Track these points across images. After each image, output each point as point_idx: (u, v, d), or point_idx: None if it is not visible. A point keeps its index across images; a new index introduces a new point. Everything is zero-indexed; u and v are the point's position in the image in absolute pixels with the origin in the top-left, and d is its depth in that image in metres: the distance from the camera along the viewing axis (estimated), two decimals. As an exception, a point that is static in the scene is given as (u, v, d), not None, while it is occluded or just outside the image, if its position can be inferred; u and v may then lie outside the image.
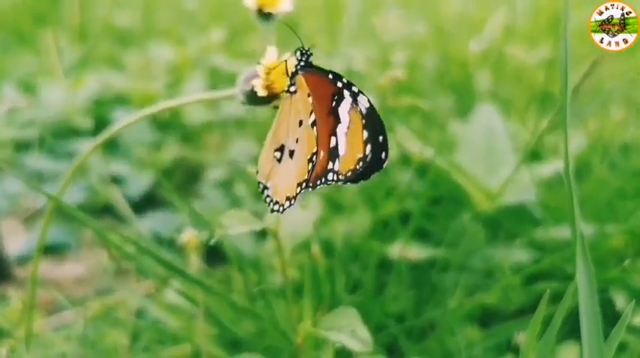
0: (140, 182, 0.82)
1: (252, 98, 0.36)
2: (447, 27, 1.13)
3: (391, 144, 0.35)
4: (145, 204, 0.81)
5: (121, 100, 1.01)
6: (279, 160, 0.35)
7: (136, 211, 0.77)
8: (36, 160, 0.85)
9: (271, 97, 0.36)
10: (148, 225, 0.75)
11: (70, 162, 0.86)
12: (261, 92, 0.35)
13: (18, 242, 0.73)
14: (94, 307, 0.60)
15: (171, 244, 0.74)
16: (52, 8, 1.31)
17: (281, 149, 0.35)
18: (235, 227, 0.38)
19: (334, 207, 0.67)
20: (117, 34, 1.21)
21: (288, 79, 0.35)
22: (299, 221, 0.41)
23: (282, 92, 0.35)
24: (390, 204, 0.65)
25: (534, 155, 0.67)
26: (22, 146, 0.91)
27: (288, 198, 0.35)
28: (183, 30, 1.29)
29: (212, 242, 0.38)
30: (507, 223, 0.61)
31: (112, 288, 0.65)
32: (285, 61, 0.35)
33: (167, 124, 0.94)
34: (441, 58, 1.02)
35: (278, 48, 0.36)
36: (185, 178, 0.88)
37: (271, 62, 0.35)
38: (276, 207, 0.36)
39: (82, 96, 0.97)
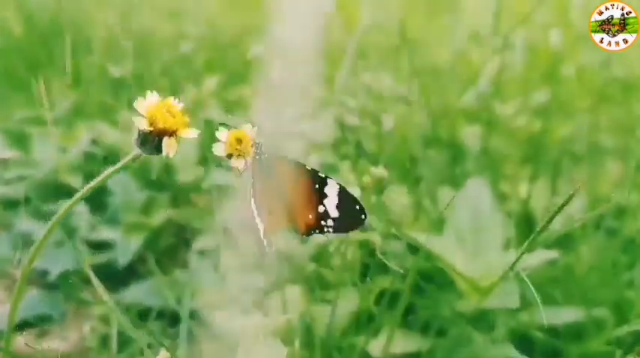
0: (129, 247, 0.81)
1: None
2: (440, 79, 1.13)
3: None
4: (136, 265, 0.81)
5: (112, 154, 1.00)
6: None
7: (126, 275, 0.77)
8: (24, 223, 0.84)
9: None
10: (134, 294, 0.74)
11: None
12: None
13: None
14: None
15: (160, 314, 0.74)
16: (44, 53, 1.30)
17: None
18: None
19: (321, 284, 0.66)
20: (110, 82, 1.21)
21: None
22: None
23: None
24: (379, 281, 0.64)
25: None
26: (10, 204, 0.90)
27: None
28: (178, 73, 1.28)
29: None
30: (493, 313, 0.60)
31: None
32: None
33: (157, 183, 0.93)
34: (431, 114, 1.01)
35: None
36: (175, 240, 0.87)
37: None
38: None
39: (72, 152, 0.96)
